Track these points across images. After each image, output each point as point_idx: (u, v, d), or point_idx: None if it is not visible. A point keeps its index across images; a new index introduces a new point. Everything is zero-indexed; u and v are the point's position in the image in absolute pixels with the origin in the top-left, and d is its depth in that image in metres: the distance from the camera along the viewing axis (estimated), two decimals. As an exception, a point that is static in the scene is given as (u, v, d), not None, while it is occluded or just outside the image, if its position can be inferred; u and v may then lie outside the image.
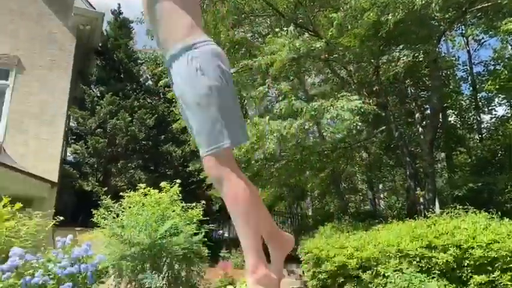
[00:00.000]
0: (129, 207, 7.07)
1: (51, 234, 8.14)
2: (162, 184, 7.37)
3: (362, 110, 8.11)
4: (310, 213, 18.40)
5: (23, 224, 7.38)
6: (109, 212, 6.92)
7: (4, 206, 7.18)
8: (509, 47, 12.28)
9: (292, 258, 11.46)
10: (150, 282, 6.13)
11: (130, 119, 12.36)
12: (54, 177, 9.80)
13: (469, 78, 12.98)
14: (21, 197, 7.67)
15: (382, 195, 17.96)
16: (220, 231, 17.70)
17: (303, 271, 9.01)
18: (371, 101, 9.39)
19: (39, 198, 9.22)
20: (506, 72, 10.27)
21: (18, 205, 7.31)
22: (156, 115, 12.96)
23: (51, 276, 6.13)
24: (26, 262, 6.23)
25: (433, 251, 6.44)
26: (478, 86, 12.41)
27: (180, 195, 7.29)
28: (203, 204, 7.36)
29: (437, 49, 10.05)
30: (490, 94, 11.84)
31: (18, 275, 5.98)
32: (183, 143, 13.49)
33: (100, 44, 13.88)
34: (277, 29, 9.41)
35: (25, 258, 6.25)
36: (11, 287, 5.86)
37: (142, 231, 6.43)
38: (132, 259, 6.37)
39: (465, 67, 13.18)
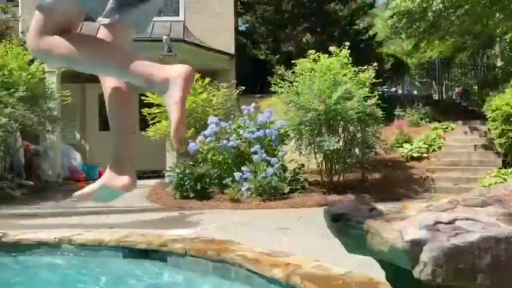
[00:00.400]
0: (301, 74, 7.32)
1: (236, 102, 9.13)
2: (331, 49, 7.29)
3: None
4: (499, 64, 16.18)
5: (213, 95, 8.45)
6: (284, 82, 7.30)
7: (196, 80, 8.24)
8: None
9: (476, 115, 10.64)
10: (328, 144, 6.56)
11: (293, -18, 12.08)
12: (231, 49, 10.59)
13: None
14: (207, 71, 8.62)
15: None
16: (393, 89, 17.18)
17: (488, 128, 8.36)
18: None
19: (222, 70, 10.21)
20: None
21: (207, 79, 8.30)
22: (318, -27, 12.31)
23: (242, 140, 7.11)
24: (221, 128, 7.30)
25: None
26: None
27: (350, 58, 7.17)
28: (374, 66, 7.15)
29: None
30: None
31: (217, 139, 7.11)
32: (348, 0, 12.73)
33: None
34: None
35: (220, 124, 7.32)
36: (213, 150, 7.06)
37: (316, 98, 6.70)
38: (309, 124, 6.81)
39: None
